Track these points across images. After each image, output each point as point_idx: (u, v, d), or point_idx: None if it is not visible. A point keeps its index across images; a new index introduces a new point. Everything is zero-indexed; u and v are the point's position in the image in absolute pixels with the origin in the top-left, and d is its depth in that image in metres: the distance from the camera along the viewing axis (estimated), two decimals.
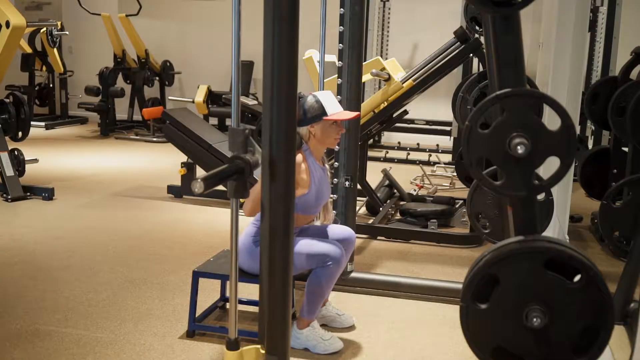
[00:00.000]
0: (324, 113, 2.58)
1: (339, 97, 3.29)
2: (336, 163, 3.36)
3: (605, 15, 5.87)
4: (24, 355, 2.60)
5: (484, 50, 3.64)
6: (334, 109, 2.61)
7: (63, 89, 9.61)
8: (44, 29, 8.78)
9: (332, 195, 3.37)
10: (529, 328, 1.64)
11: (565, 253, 1.63)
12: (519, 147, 1.60)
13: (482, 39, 4.05)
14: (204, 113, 8.13)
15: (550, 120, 1.71)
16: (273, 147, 1.70)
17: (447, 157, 7.24)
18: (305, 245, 2.61)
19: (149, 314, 3.02)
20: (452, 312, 3.15)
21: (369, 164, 5.36)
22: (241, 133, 1.73)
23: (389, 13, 8.31)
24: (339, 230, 2.85)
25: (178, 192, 5.39)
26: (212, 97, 8.22)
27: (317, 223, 2.87)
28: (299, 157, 2.58)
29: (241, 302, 3.04)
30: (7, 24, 5.18)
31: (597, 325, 1.64)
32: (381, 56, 7.94)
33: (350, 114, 2.67)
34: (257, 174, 1.82)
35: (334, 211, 3.32)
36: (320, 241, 2.63)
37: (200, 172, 5.26)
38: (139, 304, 3.14)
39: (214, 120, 8.34)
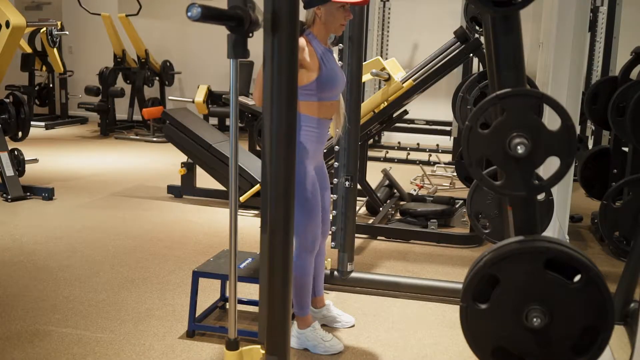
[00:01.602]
0: None
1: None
2: (336, 163, 3.36)
3: (605, 15, 5.87)
4: (24, 355, 2.59)
5: (484, 50, 3.64)
6: None
7: (63, 89, 9.62)
8: (44, 29, 8.78)
9: (332, 196, 3.37)
10: (529, 328, 1.64)
11: (565, 253, 1.63)
12: (519, 147, 1.60)
13: (482, 39, 4.05)
14: (204, 113, 8.13)
15: (550, 120, 1.71)
16: (273, 147, 1.69)
17: (447, 157, 7.24)
18: (312, 206, 2.53)
19: (149, 314, 3.02)
20: (452, 312, 3.15)
21: (369, 164, 5.36)
22: None
23: (389, 13, 8.31)
24: (325, 216, 2.76)
25: (178, 192, 5.39)
26: (212, 97, 8.22)
27: (330, 128, 2.72)
28: (301, 40, 2.44)
29: (241, 302, 3.04)
30: (7, 24, 5.18)
31: (597, 325, 1.64)
32: (381, 56, 7.93)
33: None
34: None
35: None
36: (317, 223, 2.57)
37: (200, 172, 5.26)
38: (139, 304, 3.14)
39: (214, 120, 8.34)
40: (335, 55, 2.69)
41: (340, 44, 3.28)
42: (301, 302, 2.68)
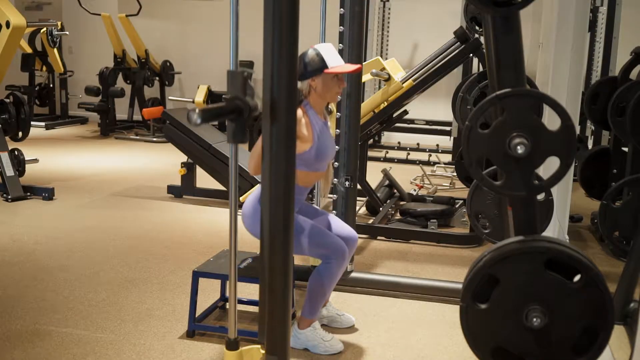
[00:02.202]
0: (325, 66, 2.50)
1: (339, 97, 3.28)
2: (336, 163, 3.36)
3: (605, 15, 5.87)
4: (24, 355, 2.60)
5: (484, 50, 3.64)
6: (335, 62, 2.53)
7: (63, 89, 9.62)
8: (44, 29, 8.78)
9: (333, 197, 3.37)
10: (529, 328, 1.64)
11: (565, 253, 1.64)
12: (519, 147, 1.60)
13: (482, 39, 4.05)
14: None
15: (550, 120, 1.71)
16: (273, 147, 1.69)
17: (447, 157, 7.24)
18: (314, 232, 2.57)
19: (149, 314, 3.02)
20: (452, 312, 3.15)
21: (369, 164, 5.36)
22: (239, 75, 1.68)
23: (389, 13, 8.31)
24: (342, 228, 2.81)
25: (178, 192, 5.39)
26: (212, 97, 8.22)
27: (314, 194, 2.80)
28: (298, 111, 2.49)
29: (241, 302, 3.04)
30: (7, 24, 5.18)
31: (597, 325, 1.64)
32: (381, 56, 7.94)
33: (352, 67, 2.58)
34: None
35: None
36: (329, 234, 2.60)
37: (200, 172, 5.26)
38: (139, 304, 3.14)
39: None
40: (330, 124, 2.74)
41: (340, 44, 3.28)
42: (315, 307, 2.69)
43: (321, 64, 2.51)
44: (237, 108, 1.65)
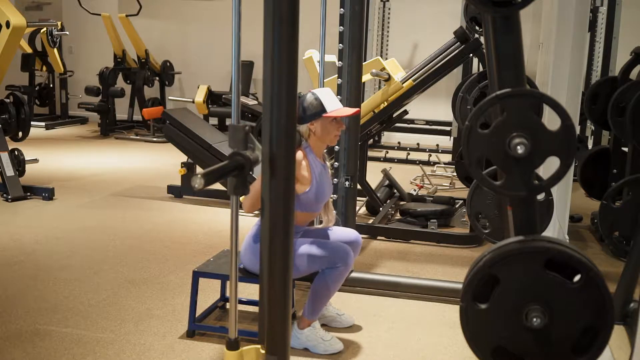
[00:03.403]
0: (324, 110, 2.56)
1: (339, 96, 3.29)
2: (336, 163, 3.36)
3: (605, 15, 5.87)
4: (24, 355, 2.60)
5: (484, 50, 3.65)
6: (333, 106, 2.59)
7: (63, 89, 9.62)
8: (44, 29, 8.78)
9: (332, 195, 3.37)
10: (529, 328, 1.64)
11: (565, 253, 1.64)
12: (518, 147, 1.60)
13: (482, 39, 4.05)
14: (204, 113, 8.13)
15: (550, 120, 1.71)
16: (273, 146, 1.70)
17: (447, 157, 7.25)
18: (311, 247, 2.60)
19: (149, 314, 3.02)
20: (452, 312, 3.15)
21: (369, 164, 5.36)
22: (241, 130, 1.73)
23: (389, 13, 8.31)
24: (344, 233, 2.83)
25: (178, 192, 5.39)
26: (212, 97, 8.22)
27: (320, 226, 2.86)
28: (299, 154, 2.56)
29: (241, 302, 3.05)
30: (8, 24, 5.18)
31: (597, 325, 1.64)
32: (381, 56, 7.94)
33: (350, 110, 2.65)
34: (257, 172, 1.83)
35: (335, 212, 3.32)
36: (326, 243, 2.62)
37: (200, 171, 5.25)
38: (139, 304, 3.14)
39: (214, 120, 8.34)
40: (329, 166, 2.79)
41: (340, 44, 3.28)
42: (318, 309, 2.70)
43: (320, 108, 2.56)
44: (238, 165, 1.70)
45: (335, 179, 3.35)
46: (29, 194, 5.19)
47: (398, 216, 4.83)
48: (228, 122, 8.42)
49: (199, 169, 5.27)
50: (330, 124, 2.60)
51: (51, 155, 7.13)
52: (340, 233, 2.83)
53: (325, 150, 2.75)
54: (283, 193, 1.70)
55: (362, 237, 4.26)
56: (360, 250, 4.04)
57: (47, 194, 5.16)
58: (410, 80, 4.46)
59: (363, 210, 5.01)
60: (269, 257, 1.75)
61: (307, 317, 2.69)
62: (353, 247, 2.76)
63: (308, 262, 2.59)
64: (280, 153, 1.69)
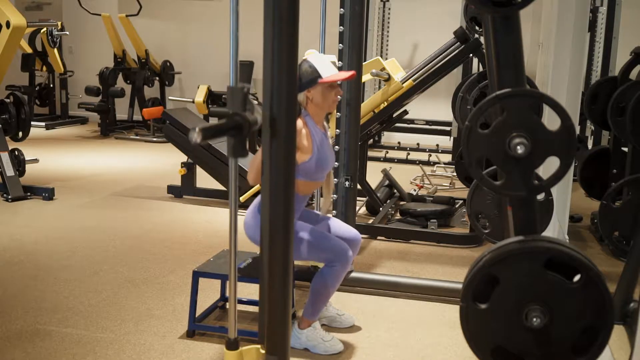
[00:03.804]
0: (319, 76, 2.52)
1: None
2: (336, 163, 3.36)
3: (605, 15, 5.87)
4: (24, 355, 2.60)
5: (484, 50, 3.65)
6: (329, 72, 2.54)
7: (63, 89, 9.61)
8: (44, 29, 8.78)
9: (333, 197, 3.37)
10: (529, 328, 1.64)
11: (565, 253, 1.64)
12: (518, 147, 1.60)
13: (482, 39, 4.05)
14: (204, 113, 8.13)
15: (550, 120, 1.71)
16: (273, 149, 1.70)
17: (447, 157, 7.25)
18: (316, 237, 2.57)
19: (149, 314, 3.02)
20: (452, 312, 3.15)
21: (369, 164, 5.36)
22: (240, 91, 1.69)
23: (389, 13, 8.31)
24: (345, 229, 2.81)
25: (178, 192, 5.39)
26: (212, 97, 8.22)
27: (321, 201, 2.81)
28: (299, 122, 2.51)
29: (241, 302, 3.05)
30: (8, 24, 5.18)
31: (597, 325, 1.64)
32: (381, 56, 7.94)
33: (346, 74, 2.60)
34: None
35: (335, 181, 3.31)
36: (329, 238, 2.61)
37: (200, 172, 5.26)
38: (139, 303, 3.15)
39: (214, 120, 8.31)
40: (329, 134, 2.76)
41: (340, 44, 3.28)
42: (318, 309, 2.70)
43: (315, 75, 2.54)
44: (237, 124, 1.66)
45: (335, 179, 3.35)
46: (29, 194, 5.19)
47: (398, 216, 4.83)
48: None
49: (199, 170, 5.27)
50: (327, 89, 2.56)
51: (51, 155, 7.13)
52: (341, 228, 2.81)
53: (325, 118, 2.71)
54: (284, 155, 1.66)
55: (362, 237, 4.28)
56: (360, 250, 4.04)
57: (47, 194, 5.16)
58: (410, 80, 4.46)
59: (363, 210, 5.01)
60: (269, 258, 1.75)
61: (308, 317, 2.69)
62: (352, 245, 2.76)
63: (309, 250, 2.57)
64: (281, 156, 1.68)
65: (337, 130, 3.33)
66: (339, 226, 2.82)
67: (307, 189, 2.67)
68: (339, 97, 2.63)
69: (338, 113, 3.31)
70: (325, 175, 2.71)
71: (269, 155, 1.67)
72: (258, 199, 2.64)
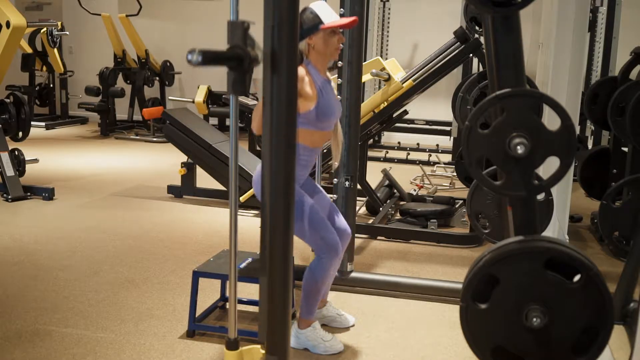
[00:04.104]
0: (321, 22, 2.49)
1: (339, 96, 3.28)
2: (336, 163, 3.36)
3: (605, 15, 5.87)
4: (24, 355, 2.60)
5: (484, 50, 3.65)
6: (330, 18, 2.51)
7: (63, 89, 9.62)
8: (44, 29, 8.78)
9: (333, 197, 3.37)
10: (529, 328, 1.64)
11: (565, 253, 1.64)
12: (518, 147, 1.60)
13: (482, 39, 4.05)
14: (204, 113, 8.13)
15: (550, 120, 1.71)
16: (273, 151, 1.70)
17: (447, 157, 7.25)
18: (316, 219, 2.55)
19: (149, 314, 3.02)
20: (452, 312, 3.15)
21: (369, 164, 5.36)
22: (240, 25, 1.65)
23: (389, 13, 8.31)
24: (339, 220, 2.79)
25: (178, 192, 5.39)
26: (212, 97, 8.22)
27: (332, 156, 2.76)
28: (300, 70, 2.47)
29: (241, 302, 3.05)
30: (8, 24, 5.18)
31: (597, 325, 1.64)
32: (381, 56, 7.94)
33: (348, 19, 2.56)
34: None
35: (335, 179, 3.30)
36: (327, 227, 2.59)
37: (200, 172, 5.26)
38: (139, 303, 3.15)
39: (214, 121, 8.34)
40: (334, 84, 2.73)
41: (341, 44, 3.28)
42: (311, 307, 2.69)
43: (317, 21, 2.49)
44: (237, 56, 1.61)
45: (335, 179, 3.35)
46: (29, 194, 5.20)
47: (398, 216, 4.83)
48: (228, 122, 8.42)
49: (199, 170, 5.27)
50: (329, 35, 2.53)
51: (51, 155, 7.13)
52: (336, 216, 2.79)
53: (327, 67, 2.66)
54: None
55: (362, 237, 4.31)
56: (360, 250, 4.05)
57: (47, 194, 5.16)
58: (410, 80, 4.46)
59: (363, 210, 5.01)
60: (269, 258, 1.75)
61: (304, 316, 2.69)
62: (343, 238, 2.75)
63: (309, 229, 2.55)
64: (281, 156, 1.67)
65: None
66: (335, 214, 2.79)
67: (316, 139, 2.60)
68: (341, 44, 2.59)
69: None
70: (333, 126, 2.67)
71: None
72: None
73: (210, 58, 1.56)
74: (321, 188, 2.85)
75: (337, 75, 3.34)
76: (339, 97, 3.28)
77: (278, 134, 1.66)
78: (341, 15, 3.25)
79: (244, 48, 1.62)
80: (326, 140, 2.71)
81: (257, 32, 1.63)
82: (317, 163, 3.20)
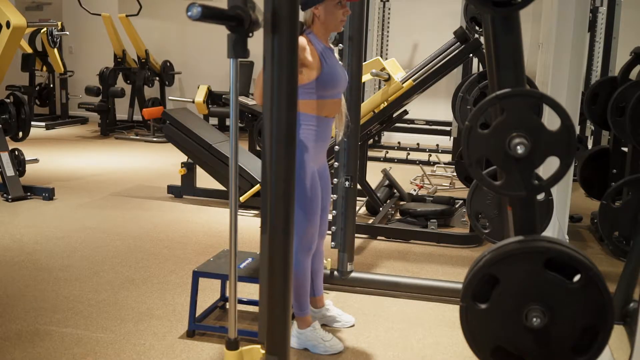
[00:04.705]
0: None
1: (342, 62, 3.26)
2: (336, 163, 3.36)
3: (605, 15, 5.87)
4: (24, 355, 2.60)
5: (484, 50, 3.64)
6: None
7: (63, 89, 9.62)
8: (45, 29, 8.78)
9: (333, 197, 3.37)
10: (529, 328, 1.64)
11: (565, 253, 1.64)
12: (518, 147, 1.60)
13: (482, 39, 4.05)
14: (204, 113, 8.13)
15: (550, 120, 1.71)
16: (273, 148, 1.70)
17: (447, 157, 7.25)
18: (313, 207, 2.54)
19: (149, 314, 3.02)
20: (452, 312, 3.15)
21: (369, 164, 5.36)
22: None
23: (389, 13, 8.31)
24: (324, 222, 2.76)
25: (178, 192, 5.40)
26: (212, 97, 8.22)
27: (335, 131, 2.72)
28: (302, 40, 2.44)
29: (241, 302, 3.05)
30: (8, 24, 5.18)
31: (597, 325, 1.64)
32: (381, 56, 7.94)
33: None
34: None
35: (335, 179, 3.29)
36: (314, 222, 2.57)
37: (200, 172, 5.26)
38: (139, 303, 3.15)
39: (214, 120, 8.34)
40: (337, 55, 2.69)
41: (340, 44, 3.28)
42: (300, 303, 2.68)
43: None
44: (238, 16, 1.60)
45: (335, 179, 3.35)
46: (29, 194, 5.20)
47: (398, 216, 4.83)
48: (228, 122, 8.42)
49: (199, 170, 5.27)
50: (335, 7, 2.50)
51: (51, 155, 7.13)
52: (323, 219, 2.75)
53: (330, 40, 2.64)
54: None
55: (362, 237, 4.31)
56: (361, 250, 4.05)
57: (47, 194, 5.16)
58: (410, 80, 4.46)
59: (363, 210, 5.01)
60: (269, 258, 1.75)
61: (297, 314, 2.69)
62: (320, 236, 2.74)
63: (304, 199, 2.52)
64: (281, 156, 1.67)
65: (339, 131, 3.33)
66: (325, 209, 2.76)
67: (326, 109, 2.56)
68: (345, 17, 2.56)
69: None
70: (340, 93, 2.64)
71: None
72: None
73: (210, 14, 1.54)
74: (329, 186, 2.80)
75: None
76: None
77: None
78: None
79: (245, 9, 1.61)
80: (337, 110, 2.65)
81: None
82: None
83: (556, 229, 3.33)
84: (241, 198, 4.57)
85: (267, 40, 1.62)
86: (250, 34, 1.65)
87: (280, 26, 1.61)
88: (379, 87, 7.44)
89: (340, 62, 2.68)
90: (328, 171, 2.77)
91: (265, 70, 1.65)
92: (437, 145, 7.75)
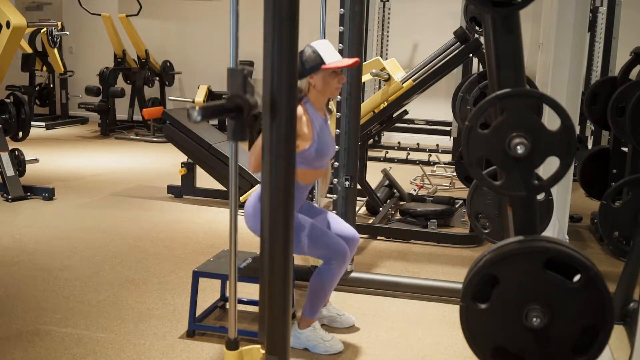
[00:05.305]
0: (322, 62, 2.51)
1: (339, 96, 3.28)
2: (336, 163, 3.36)
3: (605, 15, 5.87)
4: (24, 355, 2.60)
5: (484, 50, 3.64)
6: (332, 58, 2.53)
7: (63, 89, 9.62)
8: (45, 29, 8.78)
9: (333, 197, 3.37)
10: (529, 328, 1.64)
11: (565, 253, 1.64)
12: (518, 147, 1.60)
13: (482, 39, 4.05)
14: None
15: (550, 120, 1.71)
16: (274, 151, 1.69)
17: (447, 157, 7.25)
18: (315, 232, 2.57)
19: (149, 314, 3.02)
20: (452, 312, 3.15)
21: (369, 164, 5.36)
22: (240, 73, 1.68)
23: (389, 13, 8.31)
24: (343, 227, 2.80)
25: (178, 192, 5.39)
26: (212, 97, 8.22)
27: (317, 191, 2.80)
28: (299, 109, 2.49)
29: (241, 302, 3.05)
30: (8, 25, 5.18)
31: (597, 325, 1.64)
32: (381, 56, 7.94)
33: (349, 61, 2.58)
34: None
35: (335, 179, 3.31)
36: (329, 235, 2.60)
37: (200, 172, 5.26)
38: (139, 303, 3.15)
39: (214, 120, 8.33)
40: (332, 123, 2.75)
41: (340, 44, 3.28)
42: (316, 308, 2.69)
43: (318, 60, 2.51)
44: (237, 106, 1.64)
45: (335, 179, 3.35)
46: (29, 194, 5.20)
47: (398, 216, 4.83)
48: (228, 122, 8.42)
49: (199, 170, 5.27)
50: (330, 76, 2.55)
51: (51, 155, 7.13)
52: (340, 226, 2.80)
53: (326, 107, 2.69)
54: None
55: (362, 237, 4.30)
56: (360, 250, 4.05)
57: (47, 194, 5.16)
58: (410, 80, 4.46)
59: (363, 210, 5.01)
60: (269, 258, 1.75)
61: (307, 316, 2.69)
62: (350, 244, 2.76)
63: (308, 245, 2.57)
64: (281, 156, 1.67)
65: (337, 130, 3.33)
66: (338, 224, 2.81)
67: (309, 177, 2.64)
68: (341, 84, 2.61)
69: (338, 113, 3.31)
70: (327, 163, 2.69)
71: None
72: (258, 188, 2.63)
73: (211, 113, 1.60)
74: (317, 207, 2.85)
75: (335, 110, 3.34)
76: (337, 131, 3.29)
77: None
78: (341, 15, 3.26)
79: (243, 97, 1.65)
80: (318, 178, 2.74)
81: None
82: (317, 185, 3.20)
83: (556, 229, 3.33)
84: (241, 198, 4.57)
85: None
86: (250, 118, 1.71)
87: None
88: (379, 87, 7.44)
89: (331, 131, 2.75)
90: (308, 204, 2.81)
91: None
92: (437, 145, 7.75)
